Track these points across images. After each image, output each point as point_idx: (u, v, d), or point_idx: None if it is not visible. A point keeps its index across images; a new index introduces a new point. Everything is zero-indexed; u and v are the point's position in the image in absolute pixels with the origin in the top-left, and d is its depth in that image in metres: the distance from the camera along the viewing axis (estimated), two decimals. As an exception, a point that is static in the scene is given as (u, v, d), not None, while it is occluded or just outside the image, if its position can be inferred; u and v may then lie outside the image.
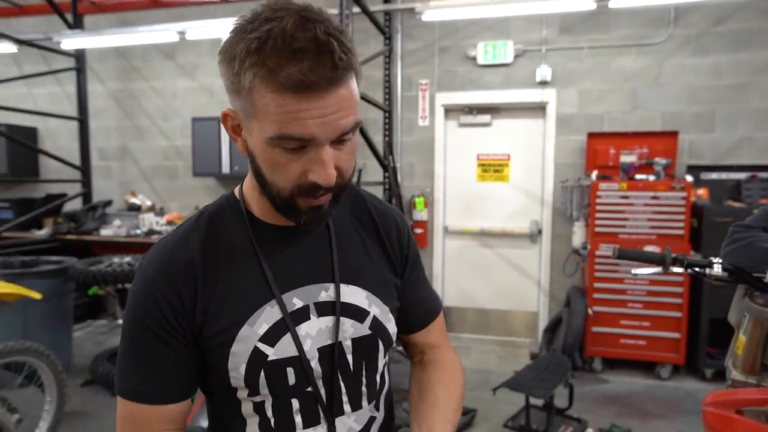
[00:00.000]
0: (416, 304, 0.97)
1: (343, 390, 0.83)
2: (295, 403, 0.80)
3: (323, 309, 0.81)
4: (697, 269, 1.35)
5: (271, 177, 0.71)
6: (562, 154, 4.49)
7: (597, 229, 3.92)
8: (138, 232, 4.76)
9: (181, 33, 4.24)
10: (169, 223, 4.88)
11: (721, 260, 1.34)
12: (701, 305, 3.80)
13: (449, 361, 0.98)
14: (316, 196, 0.72)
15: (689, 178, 3.90)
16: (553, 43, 4.39)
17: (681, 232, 3.77)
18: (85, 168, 5.24)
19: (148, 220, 4.83)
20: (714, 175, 4.17)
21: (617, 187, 3.88)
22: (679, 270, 1.37)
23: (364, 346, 0.84)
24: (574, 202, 4.19)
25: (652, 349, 3.90)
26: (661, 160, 3.90)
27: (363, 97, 3.85)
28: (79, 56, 5.10)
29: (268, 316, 0.77)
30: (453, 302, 4.80)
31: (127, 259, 3.91)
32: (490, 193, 4.75)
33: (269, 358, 0.76)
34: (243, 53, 0.63)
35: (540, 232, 4.63)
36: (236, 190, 0.86)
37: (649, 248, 3.77)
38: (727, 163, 4.19)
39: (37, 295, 2.85)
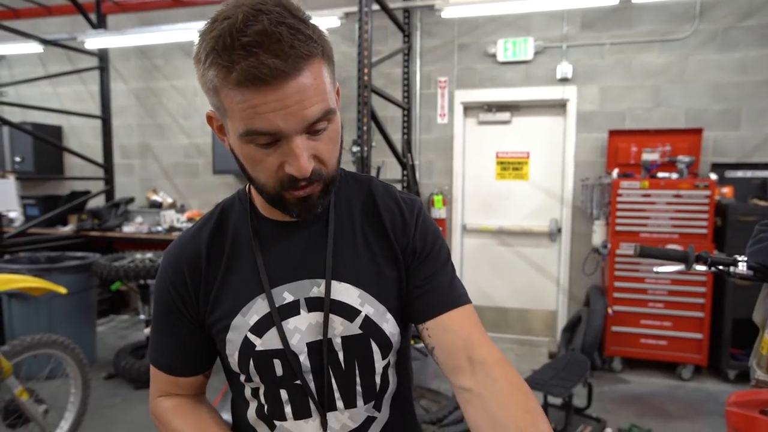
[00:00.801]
0: (430, 288, 0.85)
1: (335, 386, 0.83)
2: (284, 394, 0.81)
3: (313, 305, 0.81)
4: (721, 267, 1.34)
5: (253, 173, 0.73)
6: (582, 152, 4.46)
7: (618, 228, 3.89)
8: (159, 228, 4.84)
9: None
10: (190, 220, 4.94)
11: (746, 258, 1.34)
12: (725, 305, 3.74)
13: (514, 391, 0.75)
14: (298, 187, 0.72)
15: (713, 176, 3.83)
16: (574, 39, 4.35)
17: (704, 231, 3.71)
18: (107, 166, 5.33)
19: (169, 217, 4.91)
20: (739, 173, 4.11)
21: (639, 185, 3.84)
22: (703, 268, 1.36)
23: (355, 345, 0.82)
24: (594, 201, 4.16)
25: (674, 350, 3.86)
26: (684, 158, 3.86)
27: (382, 95, 3.90)
28: (103, 56, 5.20)
29: (258, 308, 0.80)
30: (471, 301, 4.73)
31: (149, 255, 3.97)
32: (509, 192, 4.74)
33: (257, 348, 0.79)
34: (203, 54, 0.64)
35: (559, 230, 4.61)
36: (248, 185, 0.87)
37: (671, 247, 3.74)
38: (752, 161, 4.13)
39: (62, 290, 2.92)
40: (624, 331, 3.92)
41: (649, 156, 4.03)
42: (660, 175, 3.88)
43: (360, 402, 0.84)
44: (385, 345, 0.84)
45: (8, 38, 4.46)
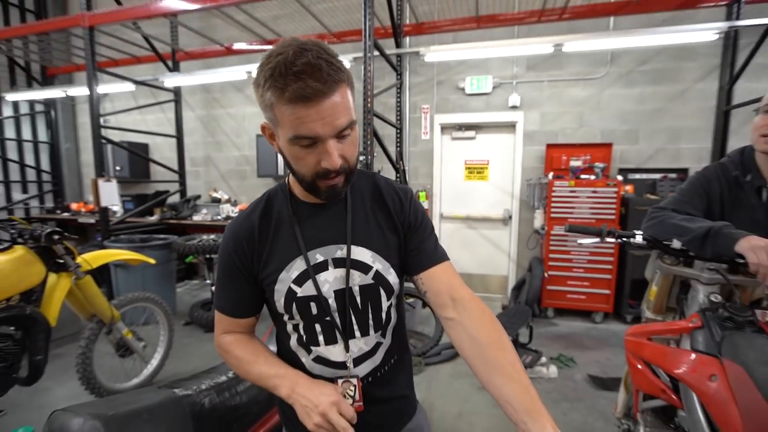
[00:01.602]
0: (419, 250, 0.88)
1: (354, 321, 0.85)
2: (318, 327, 0.84)
3: (338, 263, 0.83)
4: (624, 239, 1.35)
5: (296, 167, 0.75)
6: (527, 160, 4.45)
7: (552, 215, 3.90)
8: (219, 217, 4.87)
9: (249, 72, 4.30)
10: (241, 211, 4.97)
11: (642, 232, 1.35)
12: (625, 269, 3.79)
13: (490, 319, 0.79)
14: (330, 178, 0.74)
15: (620, 178, 3.85)
16: (521, 77, 4.35)
17: (613, 217, 3.73)
18: (181, 172, 5.34)
19: (226, 209, 4.93)
20: (637, 176, 4.11)
21: (567, 184, 3.84)
22: (612, 240, 1.37)
23: (369, 292, 0.85)
24: (535, 196, 4.18)
25: (590, 302, 3.90)
26: (599, 165, 3.86)
27: (381, 118, 3.93)
28: (176, 91, 5.19)
29: (298, 266, 0.82)
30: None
31: (212, 236, 4.02)
32: (474, 189, 4.75)
33: (298, 295, 0.82)
34: (263, 80, 0.68)
35: (510, 217, 4.63)
36: (287, 179, 0.90)
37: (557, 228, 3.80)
38: (647, 167, 4.12)
39: (152, 261, 2.97)
40: (556, 289, 3.96)
41: (575, 163, 4.05)
42: (582, 176, 3.89)
43: (371, 331, 0.87)
44: (389, 290, 0.87)
45: (110, 80, 4.45)
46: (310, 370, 0.87)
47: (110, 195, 3.96)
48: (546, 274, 3.92)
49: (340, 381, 0.84)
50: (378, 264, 0.85)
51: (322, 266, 0.83)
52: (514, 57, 4.30)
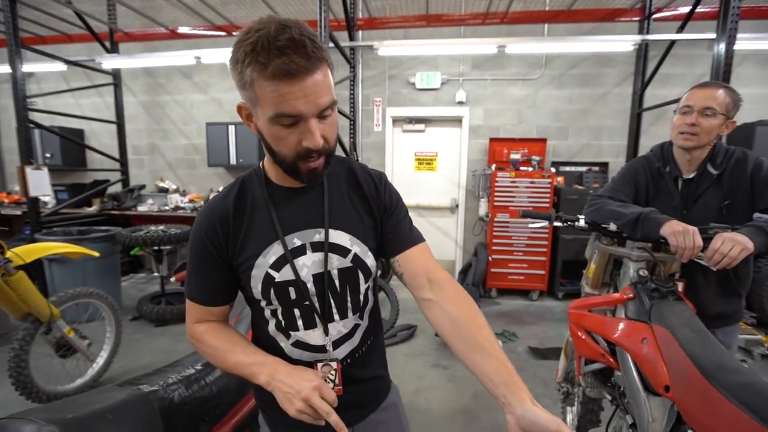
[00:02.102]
0: (395, 233, 0.87)
1: (333, 304, 0.82)
2: (297, 312, 0.81)
3: (316, 247, 0.80)
4: (570, 222, 1.43)
5: (276, 148, 0.70)
6: (472, 152, 4.59)
7: (495, 203, 4.04)
8: (167, 207, 4.53)
9: (198, 58, 4.00)
10: (191, 201, 4.65)
11: (584, 216, 1.44)
12: (558, 252, 4.04)
13: (464, 298, 0.79)
14: (311, 159, 0.70)
15: (553, 170, 4.09)
16: (467, 75, 4.46)
17: (547, 205, 3.96)
18: (123, 160, 4.86)
19: (174, 199, 4.60)
20: (568, 168, 4.38)
21: (509, 175, 4.00)
22: (559, 224, 1.43)
23: (347, 275, 0.83)
24: (480, 185, 4.33)
25: (528, 281, 4.12)
26: (536, 158, 4.07)
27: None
28: (116, 74, 4.68)
29: (276, 250, 0.78)
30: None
31: (161, 227, 3.73)
32: (424, 179, 4.82)
33: (276, 280, 0.78)
34: (242, 55, 0.63)
35: (457, 206, 4.76)
36: (260, 163, 0.85)
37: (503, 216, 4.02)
38: (575, 160, 4.42)
39: (95, 253, 2.69)
40: (498, 271, 4.14)
41: (515, 156, 4.19)
42: (521, 168, 4.06)
43: (350, 314, 0.85)
44: (367, 273, 0.85)
45: (36, 58, 3.90)
46: (290, 354, 0.84)
47: (40, 184, 3.51)
48: (490, 258, 4.10)
49: (320, 365, 0.82)
50: (356, 247, 0.83)
51: (300, 250, 0.79)
52: (461, 55, 4.40)
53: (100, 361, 2.61)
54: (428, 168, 4.79)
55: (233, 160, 4.54)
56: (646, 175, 1.53)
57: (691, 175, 1.45)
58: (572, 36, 3.99)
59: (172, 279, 1.61)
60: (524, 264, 4.10)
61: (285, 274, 0.78)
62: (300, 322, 0.82)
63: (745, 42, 3.02)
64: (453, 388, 2.57)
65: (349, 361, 0.87)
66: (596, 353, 1.33)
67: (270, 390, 0.74)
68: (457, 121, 4.61)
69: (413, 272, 0.84)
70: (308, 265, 0.80)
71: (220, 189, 4.16)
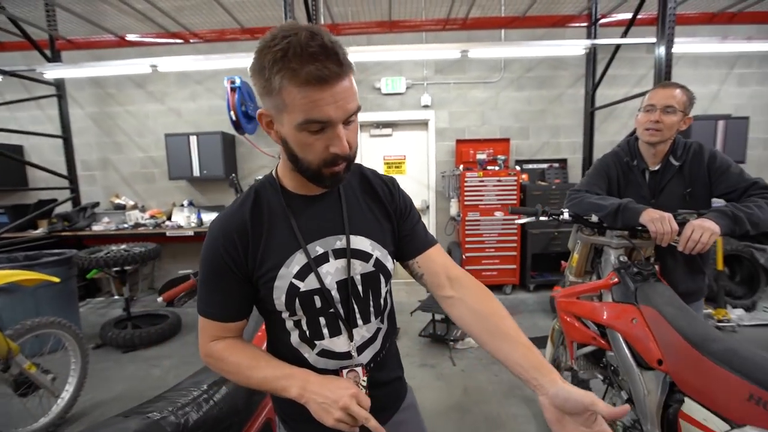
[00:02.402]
0: (412, 235, 0.90)
1: (357, 310, 0.83)
2: (322, 320, 0.80)
3: (338, 254, 0.80)
4: (554, 216, 1.53)
5: (302, 155, 0.70)
6: (440, 154, 4.70)
7: (466, 203, 4.15)
8: (125, 225, 4.25)
9: (154, 66, 3.81)
10: (152, 217, 4.40)
11: (567, 210, 1.55)
12: (527, 246, 4.21)
13: (484, 292, 0.85)
14: (337, 164, 0.71)
15: (517, 168, 4.29)
16: (431, 79, 4.57)
17: (514, 201, 4.13)
18: (72, 177, 4.49)
19: (134, 215, 4.33)
20: (530, 166, 4.61)
21: (477, 175, 4.11)
22: (545, 218, 1.54)
23: (370, 279, 0.83)
24: (450, 186, 4.43)
25: (501, 276, 4.26)
26: (501, 157, 4.25)
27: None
28: (59, 84, 4.32)
29: (299, 260, 0.77)
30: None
31: (123, 246, 3.50)
32: None
33: (301, 290, 0.77)
34: (270, 62, 0.62)
35: (428, 207, 4.85)
36: (273, 172, 0.84)
37: (498, 214, 4.17)
38: (536, 158, 4.66)
39: (56, 279, 2.50)
40: (472, 268, 4.23)
41: (481, 156, 4.37)
42: (488, 168, 4.21)
43: (372, 318, 0.85)
44: (387, 276, 0.87)
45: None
46: (314, 364, 0.82)
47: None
48: (464, 256, 4.20)
49: (345, 371, 0.82)
50: (377, 251, 0.84)
51: (323, 258, 0.79)
52: (425, 60, 4.51)
53: (66, 395, 2.40)
54: (397, 171, 4.85)
55: (196, 172, 4.35)
56: (617, 168, 1.66)
57: (656, 167, 1.59)
58: (527, 41, 4.22)
59: (159, 299, 1.53)
60: (496, 260, 4.25)
61: (310, 283, 0.78)
62: (325, 331, 0.81)
63: (682, 45, 3.35)
64: (443, 385, 2.62)
65: (372, 365, 0.87)
66: (588, 337, 1.43)
67: (303, 402, 0.73)
68: (423, 124, 4.71)
69: (434, 272, 0.88)
70: (332, 272, 0.80)
71: (185, 202, 3.95)
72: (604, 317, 1.35)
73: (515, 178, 4.13)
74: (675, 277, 1.56)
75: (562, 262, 1.86)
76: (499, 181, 4.14)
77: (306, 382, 0.74)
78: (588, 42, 4.03)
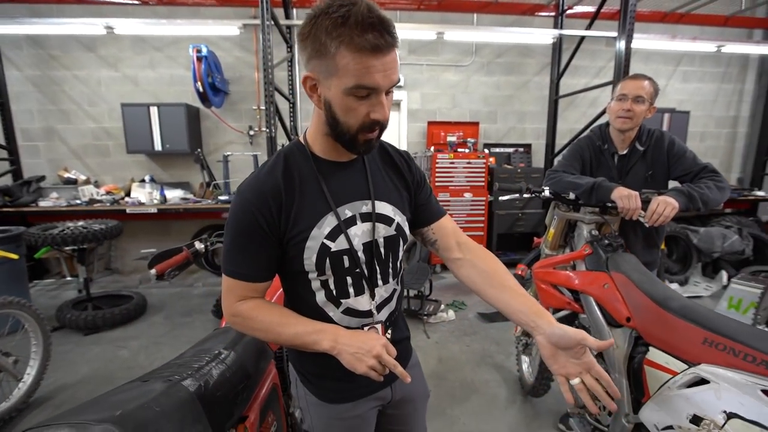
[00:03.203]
0: (428, 205, 0.98)
1: (378, 270, 0.89)
2: (349, 279, 0.86)
3: (365, 217, 0.85)
4: (536, 193, 1.66)
5: (344, 118, 0.74)
6: (412, 135, 4.78)
7: (437, 184, 4.28)
8: (79, 201, 3.96)
9: (110, 28, 3.53)
10: (109, 192, 4.14)
11: (547, 188, 1.68)
12: (493, 227, 4.47)
13: (489, 255, 0.96)
14: (372, 131, 0.76)
15: (486, 151, 4.48)
16: (404, 60, 4.59)
17: (482, 183, 4.34)
18: (11, 148, 4.10)
19: (88, 191, 4.04)
20: (498, 149, 4.82)
21: (447, 157, 4.26)
22: (527, 195, 1.66)
23: (392, 242, 0.90)
24: (422, 167, 4.54)
25: None
26: (471, 140, 4.41)
27: (279, 92, 3.73)
28: (-8, 42, 3.89)
29: (330, 222, 0.82)
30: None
31: (81, 223, 3.29)
32: None
33: (332, 250, 0.82)
34: (330, 27, 0.65)
35: None
36: (300, 138, 0.87)
37: (467, 195, 4.36)
38: (503, 142, 4.88)
39: (14, 256, 2.34)
40: (441, 247, 4.45)
41: (451, 138, 4.49)
42: (459, 150, 4.36)
43: (390, 279, 0.92)
44: (405, 241, 0.94)
45: None
46: (339, 322, 0.87)
47: None
48: (433, 236, 4.36)
49: (366, 328, 0.89)
50: (398, 217, 0.91)
51: (351, 221, 0.84)
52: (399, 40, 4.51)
53: (28, 378, 2.29)
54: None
55: (158, 146, 4.13)
56: (590, 151, 1.84)
57: (624, 152, 1.78)
58: (498, 27, 4.36)
59: (152, 272, 1.51)
60: (464, 239, 4.45)
61: (340, 244, 0.83)
62: (351, 290, 0.87)
63: (638, 41, 3.63)
64: (419, 356, 2.77)
65: (388, 324, 0.95)
66: (563, 302, 1.60)
67: (335, 353, 0.79)
68: (396, 105, 4.74)
69: (445, 238, 0.98)
70: (359, 234, 0.85)
71: (146, 178, 3.77)
72: (579, 284, 1.52)
73: (484, 160, 4.31)
74: (635, 250, 1.76)
75: (536, 238, 2.03)
76: (468, 163, 4.31)
77: (337, 336, 0.80)
78: (556, 32, 4.24)
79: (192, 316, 3.46)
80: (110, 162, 4.47)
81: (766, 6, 4.78)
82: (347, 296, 0.87)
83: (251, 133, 4.51)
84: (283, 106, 4.38)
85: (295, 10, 4.39)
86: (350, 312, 0.88)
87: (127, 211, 3.84)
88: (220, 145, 4.52)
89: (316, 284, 0.86)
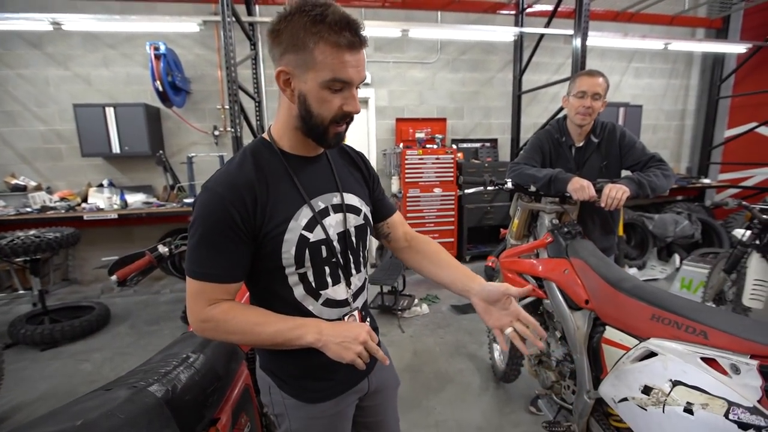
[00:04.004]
0: (383, 200, 1.07)
1: (351, 260, 0.92)
2: (327, 270, 0.88)
3: (336, 209, 0.89)
4: (500, 186, 1.73)
5: (318, 110, 0.78)
6: (381, 132, 4.79)
7: (407, 180, 4.34)
8: (30, 209, 3.73)
9: (57, 25, 3.34)
10: (63, 199, 3.91)
11: (510, 180, 1.76)
12: (463, 221, 4.56)
13: (429, 240, 1.10)
14: (342, 124, 0.81)
15: (454, 147, 4.58)
16: (370, 57, 4.58)
17: (451, 178, 4.42)
18: (-51, 152, 3.82)
19: (40, 198, 3.80)
20: (465, 145, 4.91)
21: (417, 153, 4.31)
22: (491, 188, 1.72)
23: (361, 231, 0.94)
24: (391, 164, 4.59)
25: None
26: (439, 136, 4.49)
27: (243, 90, 3.65)
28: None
29: (305, 213, 0.84)
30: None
31: (32, 232, 3.10)
32: None
33: (311, 240, 0.84)
34: (308, 23, 0.71)
35: None
36: (265, 136, 0.88)
37: (437, 190, 4.44)
38: (470, 137, 4.98)
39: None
40: (413, 242, 4.51)
41: (420, 134, 4.58)
42: (427, 146, 4.43)
43: (362, 267, 0.97)
44: (370, 230, 1.00)
45: None
46: (319, 315, 0.88)
47: None
48: (405, 232, 4.41)
49: (346, 317, 0.92)
50: (364, 207, 0.96)
51: (325, 212, 0.87)
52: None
53: (-20, 399, 2.15)
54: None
55: (116, 149, 3.94)
56: (549, 144, 1.92)
57: (581, 144, 1.88)
58: (461, 24, 4.45)
59: (113, 278, 1.45)
60: (436, 234, 4.52)
61: (317, 235, 0.85)
62: (329, 280, 0.89)
63: (593, 39, 3.81)
64: (394, 351, 2.81)
65: (364, 312, 0.99)
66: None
67: (320, 346, 0.79)
68: (364, 102, 4.74)
69: (396, 230, 1.10)
70: (333, 225, 0.88)
71: (104, 182, 3.60)
72: (542, 270, 1.59)
73: (452, 156, 4.40)
74: (593, 237, 1.87)
75: (502, 229, 2.10)
76: (437, 159, 4.39)
77: (320, 328, 0.80)
78: (516, 29, 4.37)
79: (160, 323, 3.35)
80: (63, 166, 4.22)
81: (706, 6, 5.12)
82: (326, 287, 0.89)
83: (216, 133, 4.39)
84: (249, 105, 4.29)
85: (257, 7, 4.30)
86: (330, 303, 0.90)
87: (85, 217, 3.65)
88: (183, 146, 4.38)
89: (293, 279, 0.86)
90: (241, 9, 4.00)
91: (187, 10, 4.08)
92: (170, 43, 4.02)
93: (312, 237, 0.84)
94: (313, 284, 0.87)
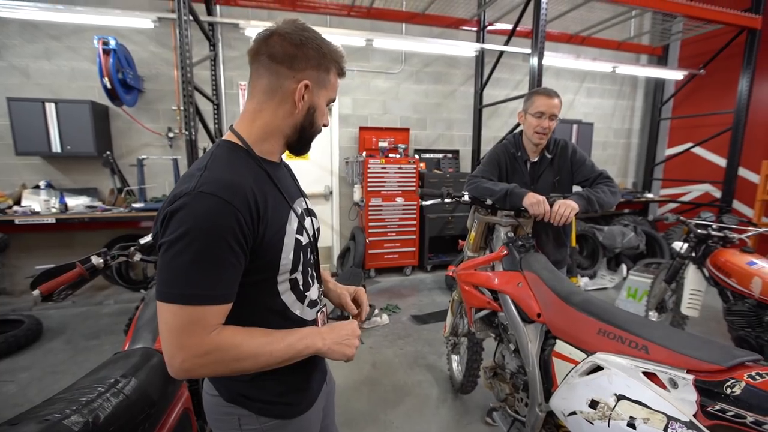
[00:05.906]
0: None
1: (317, 260, 0.99)
2: (309, 270, 0.91)
3: (308, 213, 0.94)
4: (457, 198, 1.74)
5: (318, 121, 0.87)
6: (344, 140, 4.75)
7: (369, 189, 4.31)
8: (-50, 212, 3.36)
9: (-10, 12, 3.05)
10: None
11: (467, 193, 1.78)
12: (425, 230, 4.58)
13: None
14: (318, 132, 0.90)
15: (417, 157, 4.60)
16: None
17: (413, 188, 4.45)
18: None
19: (-36, 199, 3.44)
20: (427, 155, 4.98)
21: (379, 162, 4.31)
22: (449, 200, 1.73)
23: (319, 233, 0.99)
24: (354, 172, 4.54)
25: (401, 259, 4.56)
26: (402, 146, 4.50)
27: (200, 91, 3.50)
28: None
29: (293, 218, 0.84)
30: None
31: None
32: (297, 167, 4.53)
33: (303, 243, 0.85)
34: (329, 50, 0.83)
35: (331, 193, 4.88)
36: (233, 139, 0.82)
37: (399, 200, 4.44)
38: (433, 148, 5.06)
39: None
40: (375, 252, 4.46)
41: (383, 144, 4.57)
42: (390, 156, 4.43)
43: (320, 266, 1.02)
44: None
45: None
46: (304, 317, 0.89)
47: None
48: (367, 240, 4.39)
49: (319, 315, 0.95)
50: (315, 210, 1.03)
51: (303, 216, 0.90)
52: (329, 45, 4.47)
53: None
54: (300, 156, 4.74)
55: (56, 148, 3.63)
56: (506, 158, 1.96)
57: (535, 159, 1.93)
58: (425, 37, 4.52)
59: (36, 293, 1.30)
60: (397, 243, 4.53)
61: (305, 237, 0.87)
62: (310, 281, 0.92)
63: (549, 58, 3.98)
64: (353, 363, 2.74)
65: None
66: (483, 302, 1.68)
67: (325, 351, 0.82)
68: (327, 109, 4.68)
69: None
70: (308, 227, 0.91)
71: (41, 184, 3.32)
72: (497, 283, 1.60)
73: (415, 166, 4.43)
74: (546, 250, 1.92)
75: (460, 241, 2.11)
76: (400, 168, 4.40)
77: (320, 333, 0.83)
78: (478, 45, 4.50)
79: (100, 338, 3.09)
80: (-6, 165, 3.83)
81: (649, 35, 5.53)
82: (309, 288, 0.91)
83: (170, 135, 4.16)
84: (206, 107, 4.12)
85: (218, 7, 4.15)
86: (311, 303, 0.91)
87: (17, 222, 3.32)
88: (134, 147, 4.11)
89: (284, 286, 0.83)
90: (200, 8, 3.84)
91: (141, 5, 3.86)
92: (122, 39, 3.79)
93: (303, 240, 0.86)
94: (301, 287, 0.88)
